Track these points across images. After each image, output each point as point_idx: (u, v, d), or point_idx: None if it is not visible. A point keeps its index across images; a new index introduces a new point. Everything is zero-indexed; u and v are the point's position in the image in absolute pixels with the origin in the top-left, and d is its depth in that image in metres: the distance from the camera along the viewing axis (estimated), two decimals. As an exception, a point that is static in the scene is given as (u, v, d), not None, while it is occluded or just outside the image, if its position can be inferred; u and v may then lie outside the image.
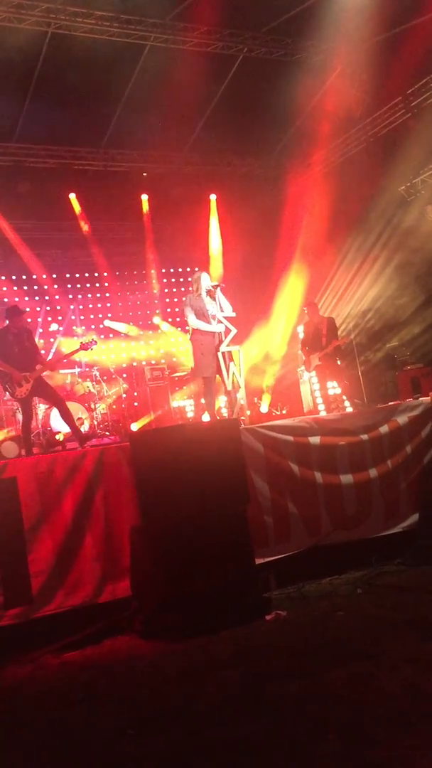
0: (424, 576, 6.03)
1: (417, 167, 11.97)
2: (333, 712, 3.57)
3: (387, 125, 12.13)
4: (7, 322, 8.06)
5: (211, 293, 8.13)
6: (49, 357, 11.27)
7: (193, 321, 8.00)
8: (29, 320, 12.09)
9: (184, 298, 8.38)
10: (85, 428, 10.34)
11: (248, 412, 7.96)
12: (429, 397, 7.73)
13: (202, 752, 3.38)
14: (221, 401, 9.53)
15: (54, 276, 13.62)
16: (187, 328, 8.48)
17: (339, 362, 10.48)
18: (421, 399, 7.83)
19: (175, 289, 15.20)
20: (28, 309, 12.16)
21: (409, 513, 7.11)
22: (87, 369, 11.38)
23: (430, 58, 10.46)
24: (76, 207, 12.86)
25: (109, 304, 14.26)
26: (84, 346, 8.93)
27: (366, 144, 12.44)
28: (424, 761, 3.00)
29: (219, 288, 8.19)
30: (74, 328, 12.67)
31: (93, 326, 13.63)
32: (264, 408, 11.77)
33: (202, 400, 8.28)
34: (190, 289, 8.27)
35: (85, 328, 12.78)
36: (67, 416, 8.12)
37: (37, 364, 7.97)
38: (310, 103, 11.56)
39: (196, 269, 8.58)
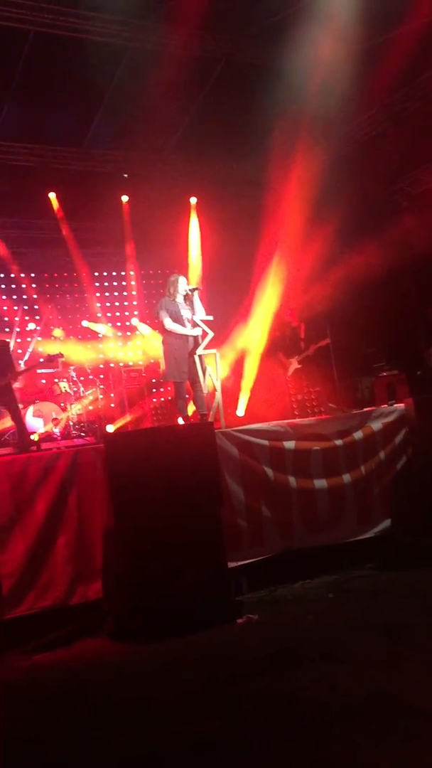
0: (394, 581, 6.09)
1: (397, 175, 12.06)
2: (295, 712, 3.60)
3: (368, 132, 12.22)
4: None
5: (188, 297, 8.13)
6: (26, 357, 11.23)
7: (169, 324, 7.99)
8: (6, 319, 12.18)
9: (156, 302, 8.42)
10: (59, 429, 10.31)
11: (223, 416, 7.97)
12: (403, 404, 7.79)
13: (165, 752, 3.40)
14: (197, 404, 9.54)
15: (32, 275, 13.53)
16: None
17: (317, 366, 10.53)
18: (395, 405, 7.90)
19: (154, 291, 15.13)
20: (5, 308, 12.22)
21: (381, 518, 7.18)
22: (59, 366, 11.31)
23: (412, 66, 10.56)
24: (56, 206, 12.80)
25: (87, 305, 14.20)
26: (48, 360, 9.49)
27: (347, 150, 12.52)
28: (384, 763, 3.03)
29: (196, 291, 8.20)
30: (52, 328, 12.61)
31: (71, 326, 13.57)
32: (240, 411, 11.78)
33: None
34: (170, 291, 8.25)
35: (62, 330, 12.72)
36: (20, 431, 8.42)
37: (5, 375, 8.20)
38: (291, 108, 11.61)
39: (175, 273, 8.57)
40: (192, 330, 8.01)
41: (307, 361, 10.24)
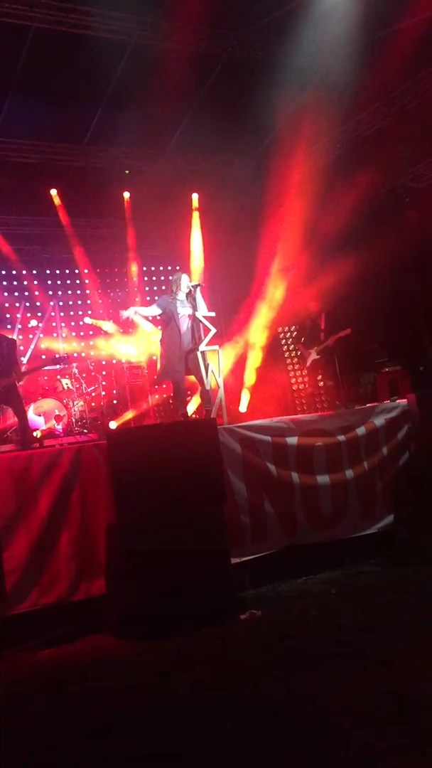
0: (398, 576, 6.10)
1: (399, 170, 12.03)
2: (304, 711, 3.60)
3: (369, 128, 12.19)
4: None
5: (191, 293, 8.10)
6: (28, 354, 11.24)
7: (126, 312, 8.16)
8: (8, 315, 12.17)
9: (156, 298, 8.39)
10: (62, 426, 10.32)
11: (225, 412, 7.96)
12: (406, 400, 7.79)
13: (173, 752, 3.40)
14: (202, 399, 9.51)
15: (34, 272, 13.53)
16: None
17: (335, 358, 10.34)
18: (397, 401, 7.89)
19: (155, 288, 15.15)
20: (7, 304, 12.22)
21: (384, 514, 7.19)
22: (66, 366, 11.32)
23: (413, 61, 10.53)
24: (58, 203, 12.80)
25: (89, 301, 14.20)
26: (56, 361, 9.38)
27: (348, 146, 12.50)
28: (394, 761, 3.03)
29: (198, 287, 8.16)
30: (54, 324, 12.60)
31: (73, 323, 13.57)
32: (243, 407, 11.78)
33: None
34: (172, 289, 8.22)
35: (65, 325, 12.70)
36: (23, 428, 8.42)
37: (9, 374, 8.21)
38: (293, 105, 11.59)
39: (177, 268, 8.56)
40: (183, 329, 7.94)
41: (327, 353, 10.07)
